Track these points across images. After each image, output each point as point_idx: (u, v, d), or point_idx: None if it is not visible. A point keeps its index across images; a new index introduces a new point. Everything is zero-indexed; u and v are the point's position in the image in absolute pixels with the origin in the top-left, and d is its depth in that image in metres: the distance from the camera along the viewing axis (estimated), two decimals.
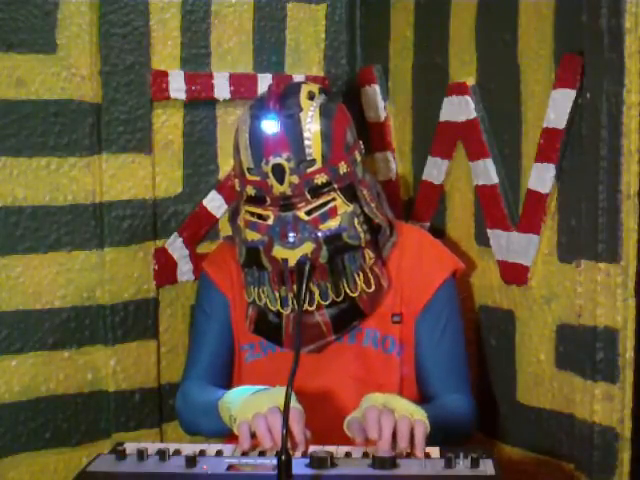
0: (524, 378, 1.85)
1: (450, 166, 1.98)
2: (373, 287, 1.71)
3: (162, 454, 1.40)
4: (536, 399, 1.82)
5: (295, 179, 1.64)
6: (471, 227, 1.95)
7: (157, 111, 1.95)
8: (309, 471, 1.35)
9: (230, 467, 1.37)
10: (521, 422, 1.86)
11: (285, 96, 1.67)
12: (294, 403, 1.49)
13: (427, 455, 1.41)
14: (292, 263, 1.66)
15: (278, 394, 1.48)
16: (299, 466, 1.35)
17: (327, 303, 1.69)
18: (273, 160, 1.63)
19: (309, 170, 1.65)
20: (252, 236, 1.69)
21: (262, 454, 1.44)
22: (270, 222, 1.67)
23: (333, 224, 1.67)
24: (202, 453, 1.43)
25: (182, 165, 2.01)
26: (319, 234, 1.66)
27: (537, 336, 1.80)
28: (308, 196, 1.65)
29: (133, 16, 1.89)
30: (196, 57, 1.99)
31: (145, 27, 1.91)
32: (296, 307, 1.67)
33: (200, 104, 2.01)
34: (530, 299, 1.81)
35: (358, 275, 1.70)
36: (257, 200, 1.68)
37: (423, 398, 1.76)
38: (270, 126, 1.64)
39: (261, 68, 2.07)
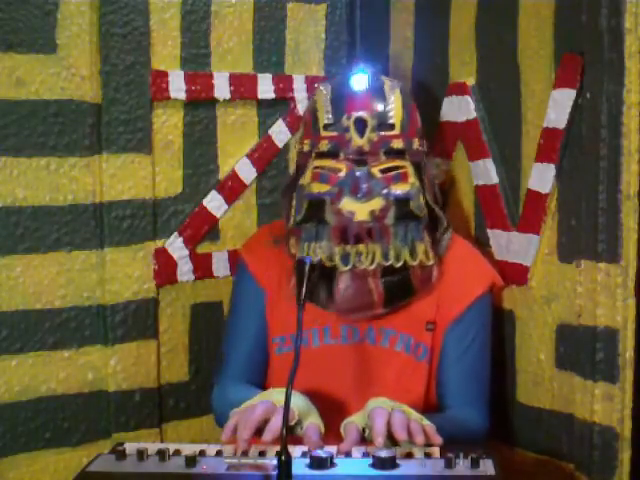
0: (524, 378, 1.85)
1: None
2: (431, 260, 1.71)
3: (162, 454, 1.40)
4: (536, 399, 1.82)
5: (374, 136, 1.69)
6: (471, 227, 1.95)
7: (157, 111, 1.95)
8: (309, 471, 1.35)
9: (230, 467, 1.37)
10: (521, 422, 1.86)
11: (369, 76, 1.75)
12: (315, 419, 1.50)
13: (427, 455, 1.41)
14: (359, 217, 1.67)
15: (280, 393, 1.48)
16: (299, 466, 1.35)
17: (387, 264, 1.67)
18: (356, 114, 1.69)
19: (388, 133, 1.70)
20: (319, 188, 1.70)
21: (262, 454, 1.44)
22: (342, 175, 1.69)
23: (404, 188, 1.70)
24: (202, 453, 1.43)
25: (182, 165, 2.01)
26: (391, 192, 1.68)
27: (537, 336, 1.80)
28: (383, 157, 1.69)
29: (133, 16, 1.89)
30: (196, 57, 1.99)
31: (145, 27, 1.90)
32: (357, 265, 1.67)
33: (200, 104, 2.01)
34: (530, 299, 1.81)
35: (419, 245, 1.70)
36: (330, 155, 1.70)
37: (438, 408, 1.74)
38: (359, 82, 1.73)
39: (261, 68, 2.07)
